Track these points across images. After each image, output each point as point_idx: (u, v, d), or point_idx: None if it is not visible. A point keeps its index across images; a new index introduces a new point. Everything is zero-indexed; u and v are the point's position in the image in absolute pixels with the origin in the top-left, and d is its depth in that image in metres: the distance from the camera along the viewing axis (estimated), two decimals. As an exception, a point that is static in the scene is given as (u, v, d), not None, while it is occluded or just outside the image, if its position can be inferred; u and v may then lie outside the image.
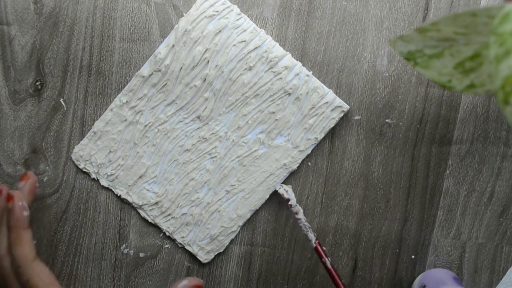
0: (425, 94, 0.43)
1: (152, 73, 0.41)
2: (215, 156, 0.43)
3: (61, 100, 0.42)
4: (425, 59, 0.31)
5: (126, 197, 0.43)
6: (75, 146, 0.43)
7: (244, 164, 0.43)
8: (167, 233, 0.44)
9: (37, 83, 0.42)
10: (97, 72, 0.42)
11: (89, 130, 0.43)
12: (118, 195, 0.43)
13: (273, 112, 0.42)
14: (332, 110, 0.42)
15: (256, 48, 0.41)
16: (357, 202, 0.44)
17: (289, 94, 0.42)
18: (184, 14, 0.41)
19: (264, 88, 0.41)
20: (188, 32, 0.40)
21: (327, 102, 0.42)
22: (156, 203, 0.43)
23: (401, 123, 0.43)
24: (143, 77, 0.41)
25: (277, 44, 0.41)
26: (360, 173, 0.44)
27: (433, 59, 0.31)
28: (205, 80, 0.41)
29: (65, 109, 0.42)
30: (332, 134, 0.43)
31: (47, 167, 0.43)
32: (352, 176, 0.44)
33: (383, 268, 0.45)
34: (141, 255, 0.45)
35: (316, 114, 0.42)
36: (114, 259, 0.44)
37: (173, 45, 0.41)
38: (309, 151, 0.43)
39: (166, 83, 0.41)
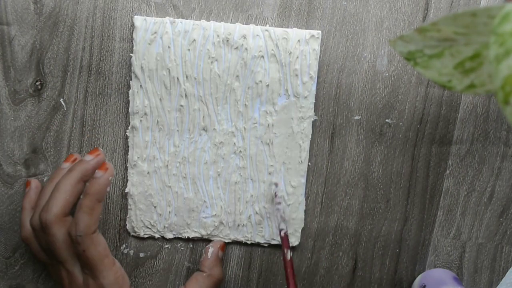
0: (425, 94, 0.43)
1: (141, 120, 0.42)
2: (240, 151, 0.42)
3: (61, 100, 0.42)
4: (425, 59, 0.31)
5: (196, 235, 0.44)
6: (126, 223, 0.44)
7: (267, 142, 0.42)
8: (248, 242, 0.44)
9: (37, 83, 0.42)
10: (97, 72, 0.42)
11: (89, 130, 0.43)
12: (189, 238, 0.44)
13: (260, 81, 0.41)
14: (308, 44, 0.41)
15: (207, 38, 0.41)
16: (357, 202, 0.44)
17: (262, 56, 0.41)
18: (184, 14, 0.41)
19: (238, 67, 0.41)
20: (145, 67, 0.41)
21: (298, 41, 0.41)
22: (221, 223, 0.43)
23: (401, 123, 0.43)
24: (136, 128, 0.42)
25: (222, 22, 0.41)
26: (360, 173, 0.44)
27: (433, 59, 0.31)
28: (186, 95, 0.41)
29: (65, 109, 0.42)
30: (332, 134, 0.43)
31: (47, 167, 0.43)
32: (352, 176, 0.44)
33: (383, 268, 0.45)
34: (141, 255, 0.45)
35: (297, 57, 0.41)
36: (114, 259, 0.44)
37: (141, 85, 0.41)
38: (314, 93, 0.42)
39: (157, 120, 0.42)
